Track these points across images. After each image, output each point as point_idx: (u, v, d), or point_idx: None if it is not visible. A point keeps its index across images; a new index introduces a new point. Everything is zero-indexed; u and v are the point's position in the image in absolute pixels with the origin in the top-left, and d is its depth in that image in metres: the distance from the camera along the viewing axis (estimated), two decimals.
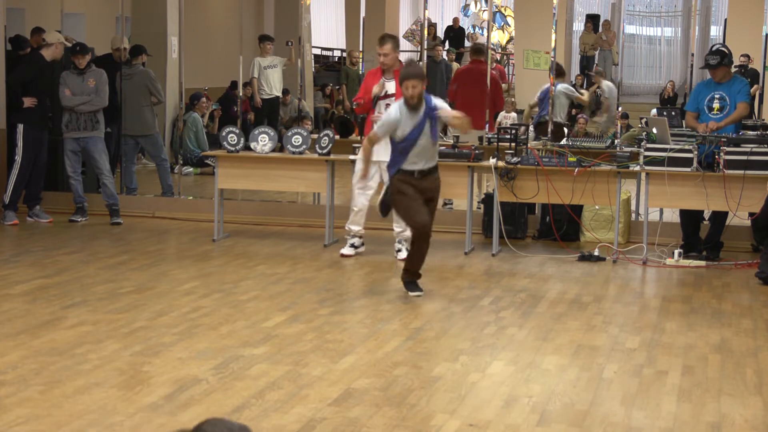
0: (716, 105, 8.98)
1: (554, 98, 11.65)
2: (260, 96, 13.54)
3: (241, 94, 12.75)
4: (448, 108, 7.37)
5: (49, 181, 10.83)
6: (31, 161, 10.22)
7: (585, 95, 14.34)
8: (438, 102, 7.17)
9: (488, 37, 13.54)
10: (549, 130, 10.84)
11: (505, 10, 22.27)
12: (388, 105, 8.79)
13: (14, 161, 10.19)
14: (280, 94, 13.85)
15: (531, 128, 12.20)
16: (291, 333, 6.21)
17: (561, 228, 9.62)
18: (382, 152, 8.18)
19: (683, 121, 11.26)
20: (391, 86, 8.75)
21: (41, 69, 10.24)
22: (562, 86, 12.83)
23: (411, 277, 7.37)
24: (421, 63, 11.79)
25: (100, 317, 6.48)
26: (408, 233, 8.74)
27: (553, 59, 11.46)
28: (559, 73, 12.89)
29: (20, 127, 10.15)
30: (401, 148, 7.12)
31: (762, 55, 11.39)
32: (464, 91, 11.67)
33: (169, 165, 11.53)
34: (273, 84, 13.63)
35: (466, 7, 23.58)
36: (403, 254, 8.73)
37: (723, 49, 8.99)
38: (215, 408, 4.78)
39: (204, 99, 14.50)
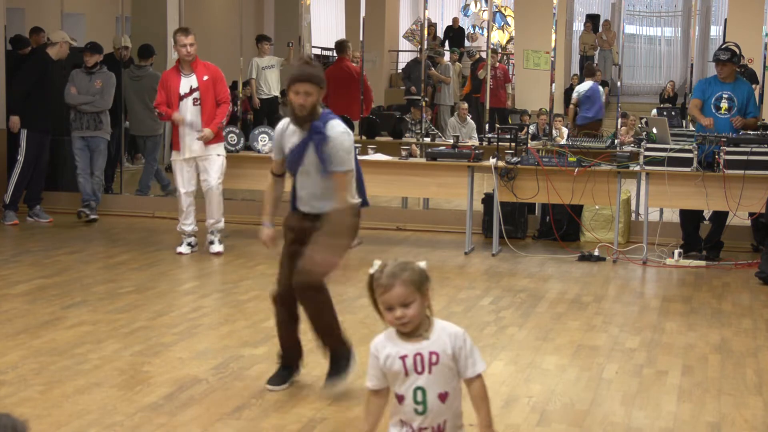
0: (724, 105, 8.96)
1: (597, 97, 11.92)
2: (259, 96, 13.52)
3: (240, 94, 12.74)
4: (344, 141, 4.98)
5: (50, 181, 10.83)
6: (33, 162, 10.22)
7: None
8: (332, 127, 4.97)
9: (488, 37, 13.56)
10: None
11: (505, 10, 22.26)
12: (196, 100, 8.75)
13: (16, 161, 10.19)
14: (278, 94, 13.83)
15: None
16: None
17: (561, 228, 9.62)
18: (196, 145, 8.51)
19: (684, 121, 11.25)
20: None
21: (45, 69, 10.23)
22: (601, 88, 13.05)
23: (278, 359, 5.28)
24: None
25: (100, 317, 6.48)
26: (222, 225, 8.89)
27: (549, 59, 11.47)
28: (590, 72, 13.04)
29: (23, 132, 10.15)
30: (290, 174, 5.22)
31: (762, 55, 11.38)
32: (333, 91, 11.70)
33: (155, 169, 11.45)
34: (271, 84, 13.62)
35: (466, 7, 23.56)
36: (217, 247, 8.84)
37: (734, 48, 8.98)
38: (215, 408, 4.78)
39: None
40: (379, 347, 3.39)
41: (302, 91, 4.90)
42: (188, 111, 8.67)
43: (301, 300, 5.07)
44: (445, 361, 3.22)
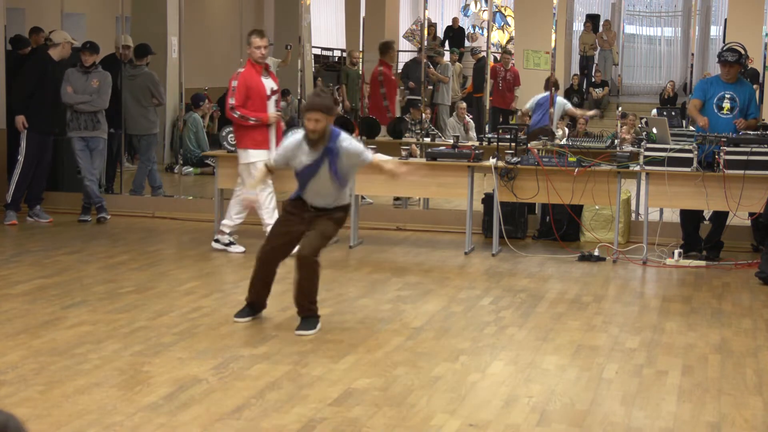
0: (726, 105, 8.95)
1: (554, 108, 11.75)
2: None
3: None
4: (368, 154, 6.40)
5: (50, 181, 10.83)
6: (33, 162, 10.22)
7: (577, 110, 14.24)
8: (346, 143, 6.25)
9: (488, 37, 13.55)
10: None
11: (505, 10, 22.28)
12: (277, 101, 8.82)
13: (17, 161, 10.19)
14: None
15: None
16: (291, 333, 6.21)
17: (561, 228, 9.62)
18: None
19: (683, 121, 11.25)
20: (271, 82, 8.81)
21: (45, 69, 10.23)
22: (561, 98, 12.83)
23: (248, 298, 6.63)
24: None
25: (100, 317, 6.48)
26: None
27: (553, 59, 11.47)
28: (555, 85, 12.90)
29: (25, 132, 10.14)
30: (298, 180, 6.41)
31: (762, 55, 11.38)
32: (374, 92, 11.72)
33: (149, 169, 11.42)
34: None
35: (466, 7, 23.58)
36: (236, 248, 8.95)
37: (740, 48, 8.95)
38: (215, 408, 4.78)
39: (206, 101, 14.50)
40: None
41: (313, 118, 6.08)
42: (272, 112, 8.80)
43: (302, 266, 6.20)
44: None
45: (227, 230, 9.01)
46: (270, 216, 8.78)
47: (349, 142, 6.25)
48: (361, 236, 9.41)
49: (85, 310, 6.67)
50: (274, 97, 8.77)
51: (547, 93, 12.42)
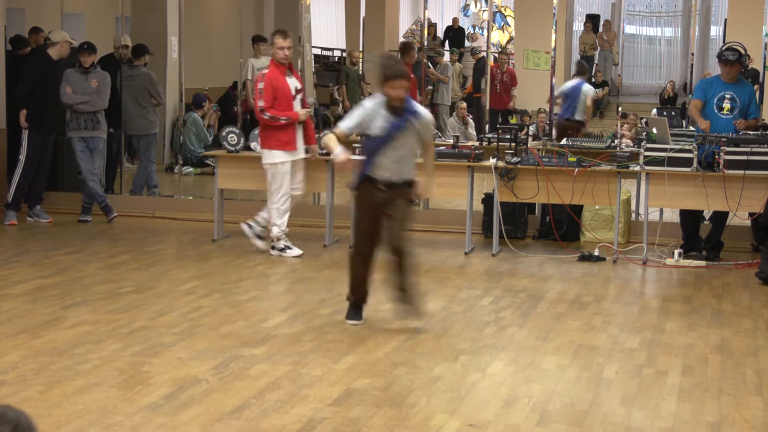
0: (726, 105, 8.94)
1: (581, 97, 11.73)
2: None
3: (241, 94, 12.75)
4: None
5: (50, 181, 10.82)
6: (35, 163, 10.22)
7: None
8: (420, 109, 6.39)
9: (488, 37, 13.55)
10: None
11: (505, 10, 22.28)
12: (303, 101, 8.78)
13: (18, 161, 10.19)
14: None
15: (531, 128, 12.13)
16: (291, 333, 6.21)
17: (561, 228, 9.62)
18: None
19: (683, 121, 11.25)
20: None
21: (45, 69, 10.23)
22: (588, 87, 12.64)
23: (351, 302, 6.57)
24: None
25: (100, 317, 6.48)
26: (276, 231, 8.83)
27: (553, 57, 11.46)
28: (581, 71, 12.80)
29: (25, 132, 10.15)
30: (372, 146, 6.28)
31: (762, 55, 11.39)
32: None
33: (149, 169, 11.40)
34: None
35: (466, 7, 23.59)
36: (294, 251, 8.82)
37: (740, 48, 8.95)
38: (215, 408, 4.78)
39: (207, 102, 14.49)
40: None
41: (400, 86, 6.08)
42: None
43: (404, 255, 6.28)
44: None
45: (279, 233, 8.85)
46: (279, 216, 8.75)
47: (425, 110, 6.41)
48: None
49: (85, 310, 6.67)
50: (299, 96, 8.74)
51: (575, 81, 12.38)
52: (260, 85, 8.61)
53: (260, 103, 8.58)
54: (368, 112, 6.22)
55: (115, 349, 5.76)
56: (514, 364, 5.69)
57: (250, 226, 9.03)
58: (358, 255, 6.43)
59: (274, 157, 8.67)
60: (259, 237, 9.00)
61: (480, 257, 9.04)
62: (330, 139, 6.32)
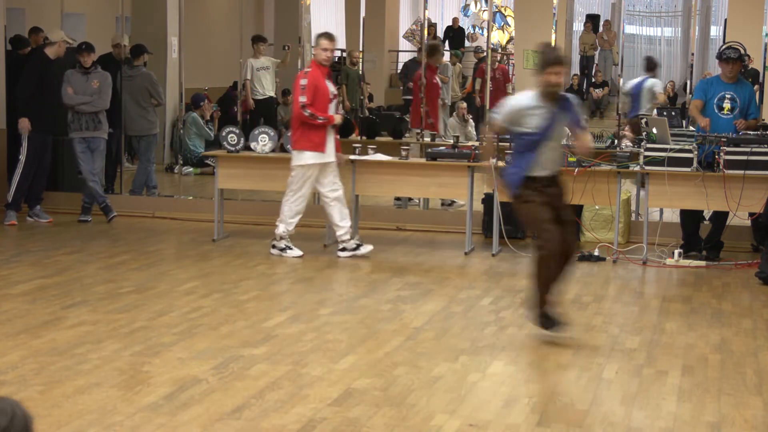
0: (727, 105, 8.93)
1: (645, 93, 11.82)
2: (254, 97, 13.49)
3: (240, 94, 12.74)
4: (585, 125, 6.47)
5: (50, 181, 10.82)
6: (35, 163, 10.22)
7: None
8: (574, 99, 6.28)
9: (488, 37, 13.56)
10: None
11: (505, 10, 22.27)
12: (338, 105, 8.80)
13: (18, 161, 10.19)
14: (273, 94, 13.82)
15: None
16: (291, 333, 6.21)
17: None
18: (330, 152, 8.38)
19: (683, 121, 11.24)
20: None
21: (45, 69, 10.22)
22: (653, 81, 12.62)
23: (541, 308, 6.22)
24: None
25: (100, 317, 6.48)
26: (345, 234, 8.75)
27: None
28: (649, 66, 12.81)
29: (26, 132, 10.14)
30: (527, 143, 6.10)
31: (762, 55, 11.38)
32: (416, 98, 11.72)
33: (149, 169, 11.39)
34: (266, 85, 13.60)
35: (466, 7, 23.57)
36: (294, 252, 8.75)
37: (740, 47, 8.95)
38: (215, 408, 4.78)
39: (206, 102, 14.49)
40: None
41: (559, 72, 5.93)
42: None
43: (572, 259, 6.21)
44: None
45: (346, 235, 8.80)
46: (291, 216, 8.74)
47: (574, 97, 6.32)
48: (361, 236, 9.39)
49: (85, 310, 6.67)
50: (335, 101, 8.75)
51: (639, 79, 12.44)
52: (303, 82, 8.54)
53: (302, 99, 8.48)
54: (520, 107, 6.10)
55: (115, 349, 5.76)
56: (514, 364, 5.69)
57: (343, 249, 8.82)
58: (550, 258, 6.08)
59: (303, 158, 8.63)
60: (355, 247, 8.83)
61: (480, 257, 9.04)
62: (489, 145, 6.87)
